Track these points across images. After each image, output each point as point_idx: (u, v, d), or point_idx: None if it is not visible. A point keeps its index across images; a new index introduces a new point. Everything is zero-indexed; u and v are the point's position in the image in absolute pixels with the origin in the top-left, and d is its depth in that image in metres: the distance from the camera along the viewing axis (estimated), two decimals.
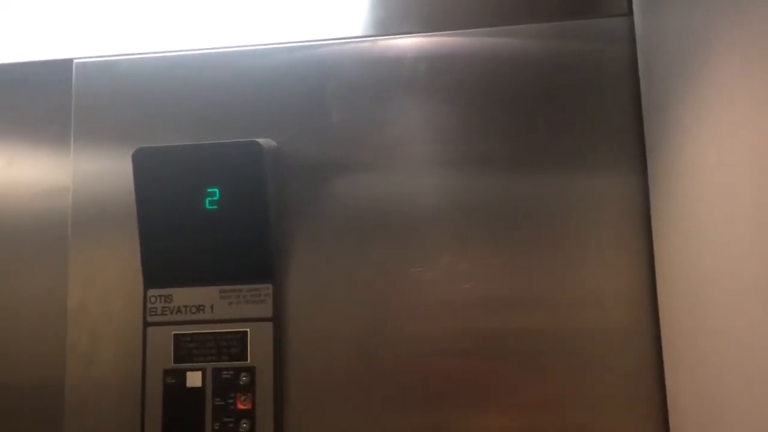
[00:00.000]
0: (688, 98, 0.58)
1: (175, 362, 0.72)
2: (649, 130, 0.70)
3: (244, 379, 0.71)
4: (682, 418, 0.64)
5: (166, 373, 0.72)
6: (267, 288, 0.72)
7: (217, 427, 0.70)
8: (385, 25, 0.78)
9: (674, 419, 0.66)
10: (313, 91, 0.77)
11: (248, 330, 0.72)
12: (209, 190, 0.72)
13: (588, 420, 0.69)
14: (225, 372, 0.71)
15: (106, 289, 0.77)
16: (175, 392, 0.71)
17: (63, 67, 0.81)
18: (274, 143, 0.76)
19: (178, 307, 0.73)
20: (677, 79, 0.61)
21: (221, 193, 0.72)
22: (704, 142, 0.56)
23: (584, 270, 0.71)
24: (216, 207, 0.72)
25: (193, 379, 0.72)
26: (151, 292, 0.74)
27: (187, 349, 0.72)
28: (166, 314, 0.73)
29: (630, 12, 0.73)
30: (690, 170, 0.59)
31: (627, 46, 0.73)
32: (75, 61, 0.81)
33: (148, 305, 0.74)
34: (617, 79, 0.73)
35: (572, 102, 0.74)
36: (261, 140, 0.73)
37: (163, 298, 0.74)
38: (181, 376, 0.72)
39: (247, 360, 0.71)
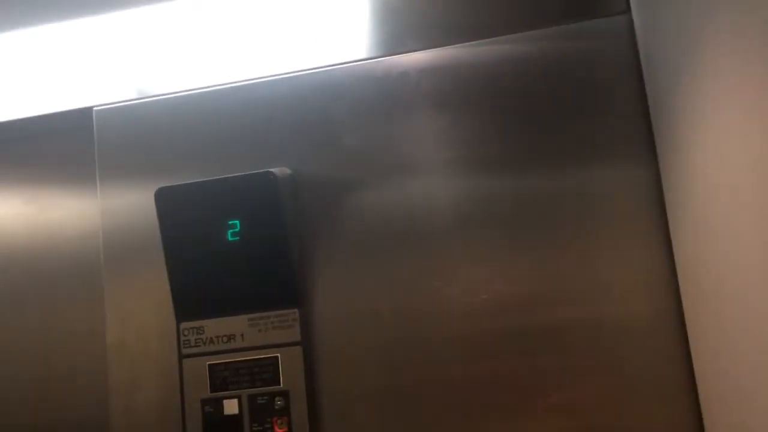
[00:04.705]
0: (690, 89, 0.59)
1: (211, 391, 0.74)
2: (657, 123, 0.70)
3: (278, 403, 0.73)
4: (713, 405, 0.64)
5: (204, 402, 0.74)
6: (293, 313, 0.74)
7: None
8: (387, 46, 0.80)
9: (706, 406, 0.66)
10: (322, 116, 0.79)
11: (279, 355, 0.74)
12: (230, 222, 0.75)
13: (622, 413, 0.69)
14: (260, 398, 0.73)
15: (142, 324, 0.79)
16: (214, 420, 0.74)
17: (83, 115, 0.85)
18: (288, 171, 0.77)
19: (210, 337, 0.75)
20: (678, 72, 0.61)
21: (242, 224, 0.74)
22: (710, 130, 0.56)
23: (606, 266, 0.71)
24: (238, 238, 0.74)
25: (230, 406, 0.74)
26: (184, 325, 0.76)
27: (222, 378, 0.74)
28: (200, 345, 0.76)
29: (628, 9, 0.73)
30: (700, 159, 0.59)
31: (628, 44, 0.73)
32: (95, 108, 0.84)
33: (182, 338, 0.76)
34: (622, 76, 0.73)
35: (580, 102, 0.74)
36: (275, 169, 0.75)
37: (195, 330, 0.76)
38: (218, 404, 0.74)
39: (280, 384, 0.73)
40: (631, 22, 0.73)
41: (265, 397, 0.73)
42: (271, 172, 0.75)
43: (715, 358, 0.62)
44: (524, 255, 0.73)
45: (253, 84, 0.81)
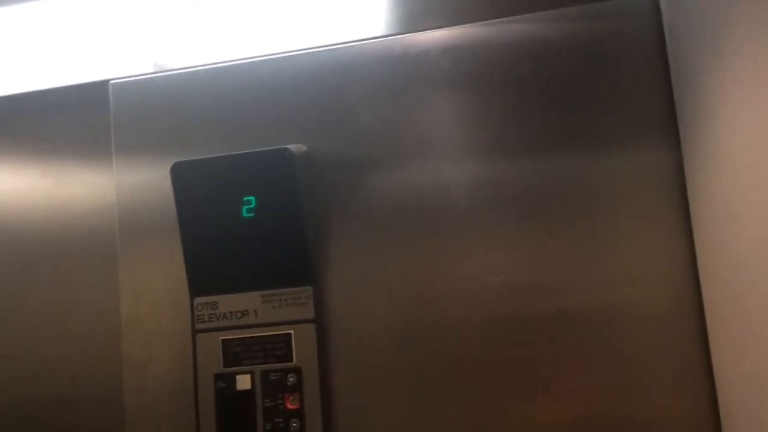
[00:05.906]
0: (716, 72, 0.57)
1: (224, 366, 0.75)
2: (681, 107, 0.69)
3: (291, 379, 0.73)
4: (730, 395, 0.64)
5: (217, 377, 0.75)
6: (307, 290, 0.74)
7: (268, 428, 0.72)
8: (406, 23, 0.79)
9: (723, 396, 0.66)
10: (339, 93, 0.78)
11: (292, 332, 0.74)
12: (245, 198, 0.74)
13: (638, 402, 0.69)
14: (273, 374, 0.73)
15: (156, 299, 0.79)
16: (227, 395, 0.74)
17: (100, 88, 0.85)
18: (304, 148, 0.77)
19: (224, 313, 0.75)
20: (704, 54, 0.60)
21: (257, 200, 0.74)
22: (735, 114, 0.55)
23: (625, 251, 0.70)
24: (253, 215, 0.74)
25: (243, 382, 0.74)
26: (198, 300, 0.76)
27: (235, 354, 0.75)
28: (213, 321, 0.76)
29: None
30: (724, 145, 0.58)
31: (653, 24, 0.72)
32: (111, 82, 0.84)
33: (196, 313, 0.76)
34: (646, 57, 0.72)
35: (602, 84, 0.73)
36: (291, 146, 0.75)
37: (209, 305, 0.76)
38: (231, 379, 0.74)
39: (292, 361, 0.73)
40: (656, 2, 0.72)
41: (278, 373, 0.73)
42: (288, 148, 0.74)
43: (734, 348, 0.61)
44: (540, 239, 0.72)
45: (269, 60, 0.81)
